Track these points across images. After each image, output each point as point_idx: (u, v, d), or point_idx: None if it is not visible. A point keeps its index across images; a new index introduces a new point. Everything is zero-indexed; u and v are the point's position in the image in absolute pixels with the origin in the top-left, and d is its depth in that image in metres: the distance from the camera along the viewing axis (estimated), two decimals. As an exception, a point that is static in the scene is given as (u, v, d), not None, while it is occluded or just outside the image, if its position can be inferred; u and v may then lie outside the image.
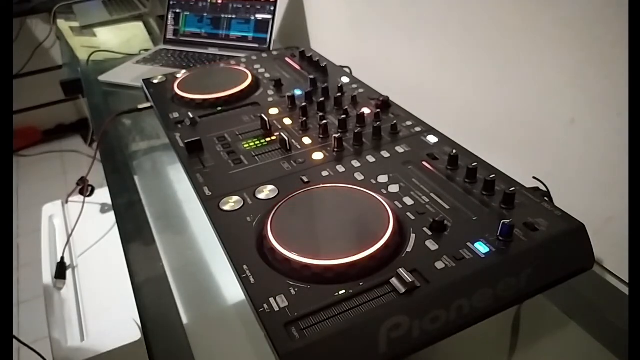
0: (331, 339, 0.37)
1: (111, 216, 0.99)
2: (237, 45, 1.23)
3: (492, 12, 0.65)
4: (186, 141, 0.64)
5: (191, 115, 0.71)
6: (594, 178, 0.57)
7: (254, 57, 0.92)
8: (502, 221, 0.44)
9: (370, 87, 0.76)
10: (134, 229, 0.72)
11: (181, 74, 0.86)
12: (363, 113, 0.66)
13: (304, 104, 0.70)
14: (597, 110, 0.55)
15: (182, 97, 0.78)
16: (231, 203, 0.53)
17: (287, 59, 0.90)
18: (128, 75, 1.15)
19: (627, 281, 0.56)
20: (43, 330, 0.81)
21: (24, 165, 2.51)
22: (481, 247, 0.44)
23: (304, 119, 0.67)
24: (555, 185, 0.58)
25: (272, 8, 1.18)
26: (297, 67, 0.87)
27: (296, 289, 0.41)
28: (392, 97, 0.71)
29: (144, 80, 0.87)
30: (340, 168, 0.57)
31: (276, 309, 0.39)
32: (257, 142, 0.65)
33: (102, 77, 1.16)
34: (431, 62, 0.81)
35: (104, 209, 1.06)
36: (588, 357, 0.51)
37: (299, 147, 0.63)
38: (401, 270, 0.41)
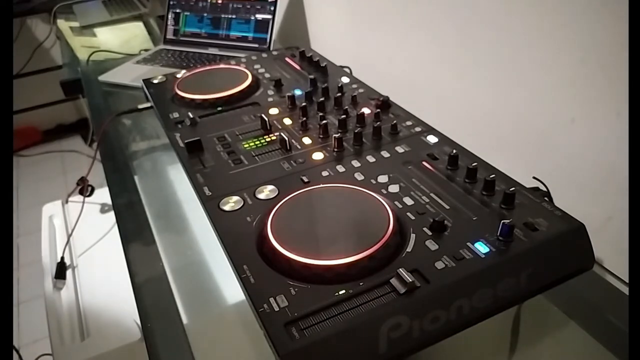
0: (331, 339, 0.37)
1: (111, 216, 0.99)
2: (237, 45, 1.23)
3: (493, 12, 0.65)
4: (186, 141, 0.64)
5: (191, 115, 0.71)
6: (594, 178, 0.57)
7: (254, 57, 0.92)
8: (502, 221, 0.44)
9: (370, 87, 0.76)
10: (134, 229, 0.71)
11: (181, 74, 0.86)
12: (363, 113, 0.66)
13: (304, 104, 0.70)
14: (597, 110, 0.55)
15: (182, 97, 0.78)
16: (231, 203, 0.53)
17: (287, 59, 0.90)
18: (128, 75, 1.15)
19: (627, 281, 0.56)
20: (43, 330, 0.81)
21: (24, 165, 2.51)
22: (481, 247, 0.44)
23: (304, 119, 0.67)
24: (555, 185, 0.58)
25: (272, 8, 1.18)
26: (297, 67, 0.87)
27: (296, 289, 0.41)
28: (392, 97, 0.71)
29: (144, 80, 0.87)
30: (340, 168, 0.57)
31: (276, 309, 0.39)
32: (257, 142, 0.65)
33: (102, 77, 1.16)
34: (431, 62, 0.81)
35: (104, 209, 1.06)
36: (588, 357, 0.51)
37: (299, 147, 0.63)
38: (401, 270, 0.41)
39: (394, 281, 0.41)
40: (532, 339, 0.52)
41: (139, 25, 1.58)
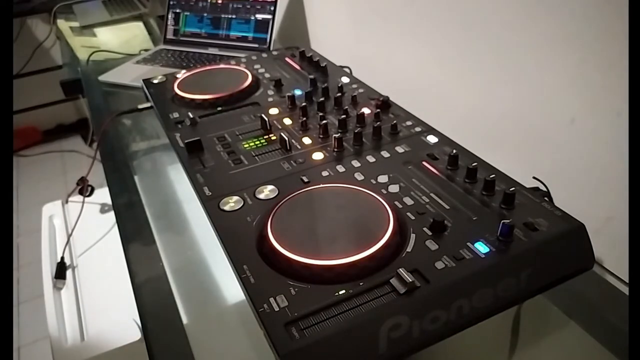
0: (331, 339, 0.37)
1: (111, 216, 0.99)
2: (237, 45, 1.23)
3: (493, 12, 0.65)
4: (186, 141, 0.64)
5: (191, 115, 0.71)
6: (594, 178, 0.57)
7: (254, 57, 0.92)
8: (502, 221, 0.44)
9: (370, 87, 0.76)
10: (134, 229, 0.72)
11: (181, 74, 0.86)
12: (363, 113, 0.66)
13: (304, 104, 0.70)
14: (597, 110, 0.55)
15: (182, 97, 0.78)
16: (231, 203, 0.53)
17: (287, 59, 0.90)
18: (128, 75, 1.15)
19: (627, 281, 0.56)
20: (43, 330, 0.81)
21: (24, 165, 2.51)
22: (481, 247, 0.44)
23: (304, 119, 0.67)
24: (555, 185, 0.58)
25: (272, 8, 1.18)
26: (297, 67, 0.87)
27: (296, 289, 0.41)
28: (392, 97, 0.71)
29: (144, 80, 0.87)
30: (340, 168, 0.57)
31: (276, 309, 0.39)
32: (257, 142, 0.65)
33: (102, 77, 1.16)
34: (431, 62, 0.81)
35: (104, 209, 1.06)
36: (588, 357, 0.51)
37: (299, 147, 0.63)
38: (401, 270, 0.41)
39: (394, 281, 0.41)
40: (532, 339, 0.52)
41: (139, 25, 1.58)
